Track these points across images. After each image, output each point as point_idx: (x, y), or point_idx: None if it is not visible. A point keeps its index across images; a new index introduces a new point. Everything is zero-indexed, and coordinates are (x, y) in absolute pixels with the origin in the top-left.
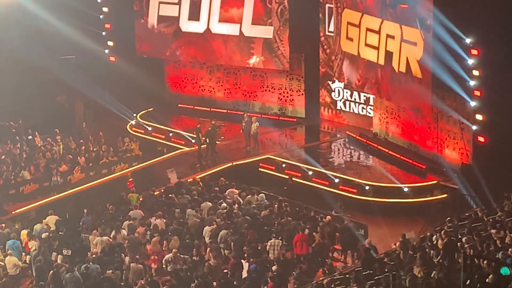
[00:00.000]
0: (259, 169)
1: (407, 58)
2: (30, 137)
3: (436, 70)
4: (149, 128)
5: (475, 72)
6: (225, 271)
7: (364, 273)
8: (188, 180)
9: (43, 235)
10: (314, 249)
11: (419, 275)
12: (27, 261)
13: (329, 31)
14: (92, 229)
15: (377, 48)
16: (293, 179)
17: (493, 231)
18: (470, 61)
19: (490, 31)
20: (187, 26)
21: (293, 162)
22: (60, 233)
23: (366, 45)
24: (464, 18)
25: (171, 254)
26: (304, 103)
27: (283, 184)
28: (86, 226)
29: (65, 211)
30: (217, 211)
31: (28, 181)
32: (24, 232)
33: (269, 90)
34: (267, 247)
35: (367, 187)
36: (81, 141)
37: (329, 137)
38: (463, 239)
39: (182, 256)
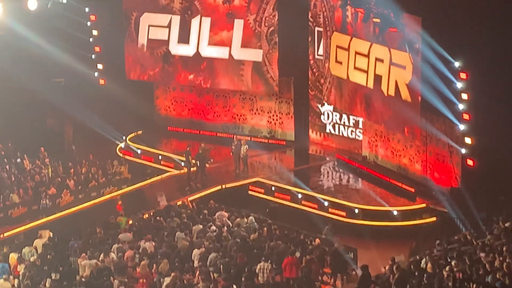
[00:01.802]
0: (249, 192)
1: (396, 81)
2: (19, 160)
3: (425, 93)
4: (139, 151)
5: (464, 96)
6: None
7: None
8: (178, 203)
9: (31, 259)
10: (303, 273)
11: None
12: (16, 285)
13: (318, 55)
14: (81, 252)
15: (366, 72)
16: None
17: (482, 254)
18: (459, 85)
19: (479, 54)
20: (177, 49)
21: (282, 185)
22: (48, 256)
23: (355, 68)
24: (453, 42)
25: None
26: (293, 126)
27: (272, 207)
28: (75, 249)
29: (54, 234)
30: (207, 234)
31: (16, 204)
32: (13, 256)
33: (259, 113)
34: (257, 270)
35: (356, 210)
36: (70, 164)
37: (319, 160)
38: (452, 263)
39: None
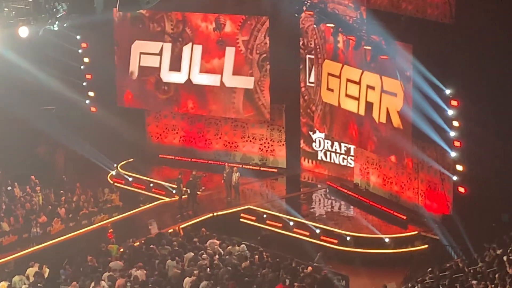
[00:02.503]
0: (240, 219)
1: (387, 108)
2: (9, 188)
3: (416, 120)
4: (130, 179)
5: (455, 123)
6: None
7: None
8: (169, 231)
9: (23, 287)
10: None
11: None
12: None
13: (309, 82)
14: (72, 280)
15: (358, 99)
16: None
17: (474, 282)
18: (450, 112)
19: (470, 82)
20: (168, 76)
21: (274, 213)
22: (39, 285)
23: (347, 95)
24: (444, 69)
25: None
26: (285, 153)
27: (264, 235)
28: (66, 277)
29: (45, 263)
30: (198, 262)
31: (7, 232)
32: (3, 284)
33: (250, 141)
34: None
35: (348, 238)
36: (61, 191)
37: (310, 187)
38: None
39: None
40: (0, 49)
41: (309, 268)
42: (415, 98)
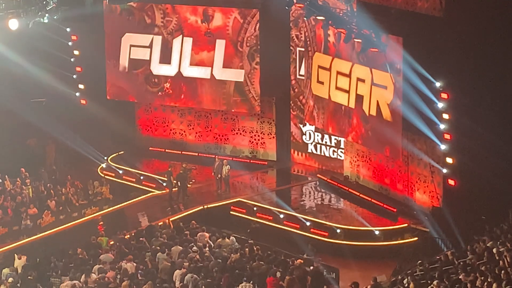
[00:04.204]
0: (231, 212)
1: (377, 101)
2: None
3: (406, 113)
4: (120, 171)
5: (445, 116)
6: None
7: None
8: (159, 224)
9: (10, 280)
10: None
11: None
12: None
13: (300, 75)
14: (62, 273)
15: (348, 92)
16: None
17: (463, 274)
18: (440, 105)
19: (460, 75)
20: (158, 69)
21: (264, 205)
22: (29, 277)
23: (337, 88)
24: (434, 62)
25: None
26: (275, 146)
27: (254, 228)
28: (56, 270)
29: (35, 255)
30: (188, 254)
31: None
32: None
33: (240, 133)
34: None
35: (338, 230)
36: (49, 185)
37: (300, 180)
38: (434, 283)
39: None
40: None
41: (299, 260)
42: (405, 91)
